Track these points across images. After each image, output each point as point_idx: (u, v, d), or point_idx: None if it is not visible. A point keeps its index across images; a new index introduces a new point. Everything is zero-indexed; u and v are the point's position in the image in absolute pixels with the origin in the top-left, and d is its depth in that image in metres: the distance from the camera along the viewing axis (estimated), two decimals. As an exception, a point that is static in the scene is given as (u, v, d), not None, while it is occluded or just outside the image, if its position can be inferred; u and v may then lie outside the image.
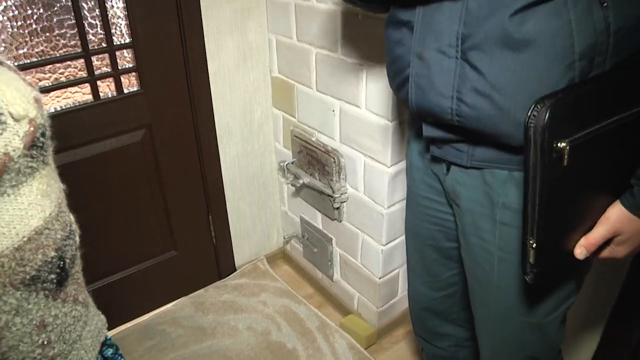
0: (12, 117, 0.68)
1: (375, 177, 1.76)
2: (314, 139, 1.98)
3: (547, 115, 0.79)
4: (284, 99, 2.09)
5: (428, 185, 1.22)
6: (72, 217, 0.80)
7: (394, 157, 1.70)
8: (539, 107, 0.80)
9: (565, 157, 0.83)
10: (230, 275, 2.39)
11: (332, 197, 1.93)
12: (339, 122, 1.83)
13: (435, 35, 0.93)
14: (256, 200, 2.34)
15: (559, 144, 0.82)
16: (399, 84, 1.06)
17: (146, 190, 2.00)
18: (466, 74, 0.91)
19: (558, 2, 0.84)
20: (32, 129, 0.72)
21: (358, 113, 1.73)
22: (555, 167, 0.83)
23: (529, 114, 0.81)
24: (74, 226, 0.80)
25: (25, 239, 0.70)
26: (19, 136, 0.69)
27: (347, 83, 1.72)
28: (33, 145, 0.72)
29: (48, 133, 0.74)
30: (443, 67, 0.93)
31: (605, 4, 0.84)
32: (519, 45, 0.86)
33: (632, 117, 0.89)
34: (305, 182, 2.04)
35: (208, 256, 2.31)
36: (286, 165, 2.15)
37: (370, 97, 1.66)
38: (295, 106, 2.04)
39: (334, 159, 1.88)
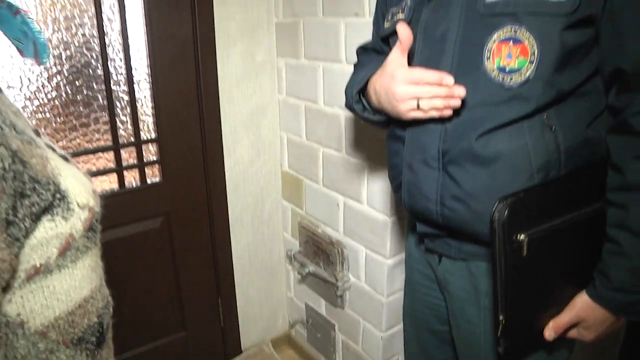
0: (78, 205, 0.83)
1: (376, 267, 1.88)
2: (319, 230, 2.12)
3: (507, 211, 0.93)
4: (293, 192, 2.25)
5: (423, 273, 1.35)
6: (107, 290, 0.96)
7: (392, 250, 1.83)
8: (501, 204, 0.94)
9: (525, 248, 0.95)
10: (236, 357, 2.45)
11: (335, 285, 2.04)
12: (343, 216, 1.98)
13: (421, 149, 1.10)
14: (264, 286, 2.44)
15: (518, 237, 0.95)
16: (395, 187, 1.23)
17: (161, 273, 2.12)
18: (447, 183, 1.07)
19: (515, 127, 1.00)
20: (90, 215, 0.85)
21: (360, 208, 1.88)
22: (516, 257, 0.96)
23: (493, 209, 0.95)
24: (110, 298, 0.95)
25: (76, 305, 0.83)
26: (81, 220, 0.81)
27: (351, 180, 1.88)
28: (90, 229, 0.85)
29: (99, 218, 0.92)
30: (428, 176, 1.09)
31: (554, 128, 1.00)
32: (485, 161, 1.01)
33: (585, 215, 1.02)
34: (310, 270, 2.17)
35: (216, 338, 2.39)
36: (293, 254, 2.28)
37: (371, 194, 1.82)
38: (303, 199, 2.19)
39: (337, 250, 2.01)
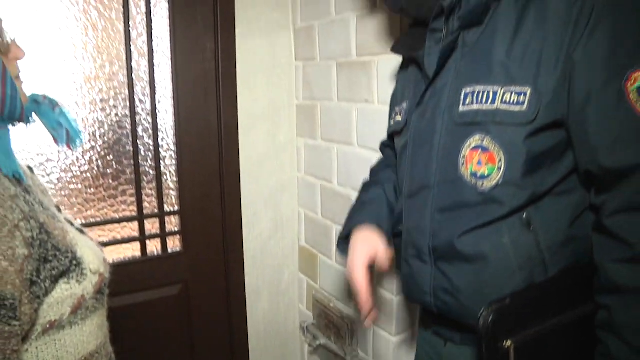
0: (90, 271, 1.00)
1: (382, 344, 1.92)
2: (332, 304, 2.18)
3: (492, 318, 0.95)
4: (309, 266, 2.33)
5: (430, 355, 1.38)
6: (111, 347, 1.12)
7: (398, 327, 1.86)
8: (486, 311, 0.95)
9: (512, 354, 0.95)
10: None
11: (344, 359, 2.08)
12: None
13: (414, 246, 1.18)
14: (278, 356, 2.49)
15: (505, 343, 0.96)
16: (400, 277, 1.32)
17: (177, 339, 2.21)
18: (439, 277, 1.14)
19: (495, 227, 1.05)
20: (100, 280, 1.03)
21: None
22: None
23: (479, 316, 0.96)
24: (113, 355, 1.13)
25: (83, 358, 0.99)
26: (92, 284, 1.00)
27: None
28: (99, 291, 1.03)
29: (107, 283, 1.08)
30: (423, 271, 1.17)
31: (532, 227, 1.03)
32: (469, 259, 1.07)
33: (574, 317, 1.02)
34: (321, 343, 2.21)
35: (229, 406, 2.44)
36: (306, 326, 2.33)
37: (378, 273, 1.88)
38: (317, 273, 2.26)
39: (347, 325, 2.06)
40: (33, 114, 1.05)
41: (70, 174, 1.90)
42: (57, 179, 1.87)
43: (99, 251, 1.07)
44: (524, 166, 1.01)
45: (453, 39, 1.10)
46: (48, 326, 0.94)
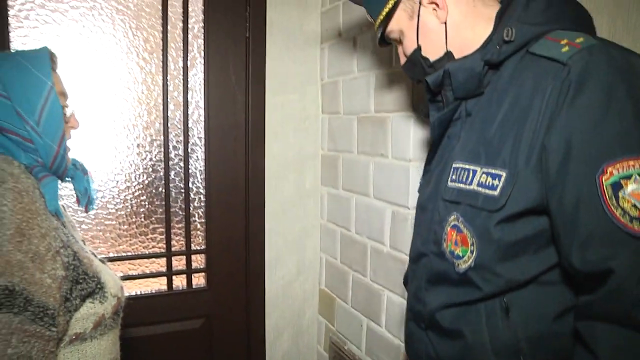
0: (111, 295, 1.21)
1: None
2: (346, 347, 2.25)
3: None
4: (327, 309, 2.42)
5: None
6: None
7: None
8: None
9: None
10: None
11: (356, 403, 2.14)
12: (365, 336, 2.11)
13: (412, 311, 1.21)
14: (297, 397, 2.57)
15: None
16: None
17: (198, 373, 2.34)
18: (429, 344, 1.14)
19: (473, 308, 1.02)
20: (117, 303, 1.25)
21: (380, 331, 2.01)
22: None
23: None
24: None
25: None
26: (111, 305, 1.21)
27: (373, 304, 2.03)
28: (115, 313, 1.25)
29: (123, 306, 1.30)
30: (418, 335, 1.19)
31: (510, 315, 0.97)
32: (449, 334, 1.07)
33: None
34: (335, 385, 2.29)
35: None
36: (323, 368, 2.41)
37: (389, 319, 1.95)
38: (334, 316, 2.35)
39: (359, 369, 2.13)
40: (71, 177, 1.32)
41: (106, 211, 2.08)
42: (94, 215, 2.06)
43: (117, 279, 1.29)
44: (496, 253, 0.96)
45: (453, 108, 1.12)
46: (74, 337, 1.14)
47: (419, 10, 1.14)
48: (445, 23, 1.11)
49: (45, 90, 1.16)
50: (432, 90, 1.16)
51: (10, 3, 1.87)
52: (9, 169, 1.10)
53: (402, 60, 1.23)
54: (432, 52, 1.14)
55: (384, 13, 1.19)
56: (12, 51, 1.22)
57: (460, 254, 1.02)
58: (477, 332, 1.01)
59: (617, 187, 0.81)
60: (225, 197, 2.27)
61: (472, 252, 1.00)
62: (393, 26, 1.20)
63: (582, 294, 0.90)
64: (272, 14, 2.28)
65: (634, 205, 0.80)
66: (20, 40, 1.89)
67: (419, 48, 1.16)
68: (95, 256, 1.32)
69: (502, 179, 0.94)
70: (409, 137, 1.77)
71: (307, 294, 2.48)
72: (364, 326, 2.11)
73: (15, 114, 1.14)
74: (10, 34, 1.87)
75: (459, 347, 1.05)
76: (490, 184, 0.96)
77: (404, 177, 1.80)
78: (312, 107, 2.40)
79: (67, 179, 1.30)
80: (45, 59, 1.21)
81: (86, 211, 1.38)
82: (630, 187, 0.80)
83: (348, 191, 2.19)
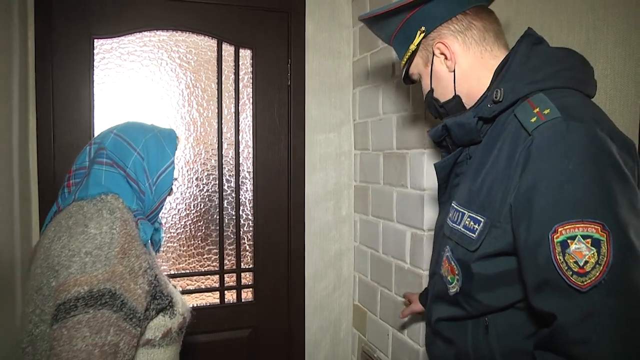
0: (179, 313, 1.43)
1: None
2: (375, 355, 2.54)
3: None
4: (360, 322, 2.72)
5: None
6: None
7: (425, 378, 2.19)
8: None
9: None
10: None
11: (384, 406, 2.41)
12: (391, 344, 2.39)
13: (428, 319, 1.35)
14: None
15: None
16: None
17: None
18: (436, 347, 1.31)
19: (462, 322, 1.17)
20: (183, 320, 1.45)
21: (403, 338, 2.29)
22: None
23: None
24: None
25: None
26: (178, 322, 1.41)
27: (398, 314, 2.32)
28: (180, 329, 1.45)
29: (187, 325, 1.49)
30: (430, 336, 1.36)
31: (489, 332, 1.10)
32: (446, 340, 1.23)
33: None
34: (367, 391, 2.57)
35: None
36: (356, 375, 2.70)
37: (410, 327, 2.22)
38: (366, 328, 2.64)
39: (387, 374, 2.41)
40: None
41: (169, 234, 2.46)
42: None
43: (185, 302, 1.52)
44: (475, 284, 1.09)
45: (454, 155, 1.26)
46: (145, 342, 1.34)
47: (432, 59, 1.27)
48: (454, 72, 1.23)
49: (168, 162, 1.46)
50: (435, 141, 1.31)
51: (96, 51, 2.33)
52: (117, 203, 1.32)
53: (424, 96, 1.37)
54: (443, 95, 1.28)
55: (405, 60, 1.33)
56: (149, 124, 1.51)
57: (451, 281, 1.16)
58: (463, 343, 1.16)
59: (564, 245, 0.90)
60: (271, 223, 2.63)
61: (457, 280, 1.13)
62: (413, 69, 1.35)
63: (540, 326, 1.03)
64: (311, 65, 2.66)
65: (575, 262, 0.89)
66: (100, 79, 2.34)
67: (432, 90, 1.30)
68: (170, 281, 1.56)
69: (481, 224, 1.06)
70: (423, 170, 2.08)
71: (342, 307, 2.79)
72: (390, 335, 2.39)
73: (142, 170, 1.39)
74: (94, 76, 2.33)
75: (453, 352, 1.21)
76: (472, 227, 1.09)
77: (420, 204, 2.11)
78: (346, 144, 2.74)
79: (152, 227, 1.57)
80: (173, 139, 1.51)
81: (155, 251, 1.61)
82: (574, 246, 0.89)
83: (376, 217, 2.51)
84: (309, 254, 2.70)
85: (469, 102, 1.23)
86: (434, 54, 1.25)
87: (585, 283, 0.88)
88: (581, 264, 0.88)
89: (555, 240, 0.91)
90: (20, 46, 2.11)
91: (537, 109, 1.00)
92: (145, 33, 2.40)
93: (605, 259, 0.87)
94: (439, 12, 1.22)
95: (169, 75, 2.45)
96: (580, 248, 0.89)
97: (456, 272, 1.13)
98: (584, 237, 0.89)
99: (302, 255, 2.68)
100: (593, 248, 0.88)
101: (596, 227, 0.88)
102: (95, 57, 2.33)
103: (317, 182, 2.69)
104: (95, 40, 2.33)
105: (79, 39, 2.29)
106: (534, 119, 0.99)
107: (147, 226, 1.36)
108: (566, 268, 0.90)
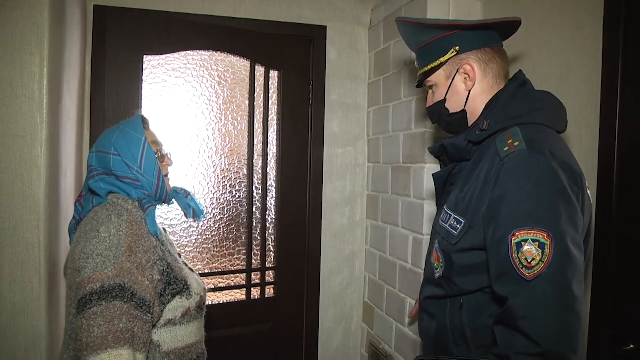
0: (195, 293, 1.55)
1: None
2: (381, 347, 2.82)
3: None
4: (369, 317, 3.02)
5: None
6: (204, 346, 1.65)
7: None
8: None
9: None
10: None
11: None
12: (394, 335, 2.67)
13: (419, 301, 1.58)
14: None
15: None
16: None
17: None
18: (423, 322, 1.53)
19: (443, 301, 1.40)
20: (200, 299, 1.57)
21: (404, 330, 2.55)
22: None
23: None
24: (205, 350, 1.65)
25: (186, 346, 1.51)
26: (195, 301, 1.54)
27: (400, 309, 2.61)
28: (198, 307, 1.56)
29: (205, 302, 1.64)
30: (421, 317, 1.55)
31: (462, 308, 1.35)
32: (431, 315, 1.46)
33: None
34: (374, 378, 2.86)
35: None
36: (365, 364, 2.99)
37: (410, 321, 2.52)
38: (374, 323, 2.94)
39: (392, 363, 2.70)
40: (173, 199, 1.71)
41: (204, 237, 2.78)
42: (195, 240, 2.75)
43: (201, 283, 1.63)
44: (455, 271, 1.34)
45: (449, 168, 1.50)
46: (167, 322, 1.47)
47: (454, 75, 1.45)
48: (470, 91, 1.44)
49: (141, 143, 1.53)
50: (434, 156, 1.57)
51: (144, 66, 2.58)
52: (125, 205, 1.48)
53: (429, 103, 1.56)
54: (453, 107, 1.48)
55: (428, 67, 1.49)
56: (118, 124, 1.59)
57: (436, 267, 1.42)
58: (443, 317, 1.40)
59: (519, 245, 1.15)
60: (292, 227, 2.94)
61: (441, 267, 1.39)
62: (432, 79, 1.51)
63: (499, 306, 1.26)
64: (330, 86, 2.99)
65: (525, 259, 1.14)
66: (147, 93, 2.61)
67: (444, 100, 1.49)
68: (187, 265, 1.66)
69: (462, 224, 1.32)
70: (423, 182, 2.40)
71: (354, 304, 3.10)
72: (394, 327, 2.68)
73: (125, 165, 1.50)
74: (142, 90, 2.59)
75: (435, 325, 1.44)
76: (455, 226, 1.34)
77: (420, 211, 2.42)
78: (361, 157, 3.07)
79: (171, 202, 1.69)
80: (138, 122, 1.57)
81: (194, 221, 1.75)
82: (526, 247, 1.15)
83: (385, 223, 2.82)
84: (325, 254, 3.01)
85: (471, 118, 1.46)
86: (457, 71, 1.44)
87: (530, 274, 1.13)
88: (529, 260, 1.13)
89: (513, 241, 1.16)
90: (80, 67, 2.43)
91: (510, 141, 1.25)
92: (189, 52, 2.68)
93: (547, 258, 1.12)
94: (475, 40, 1.43)
95: (209, 91, 2.76)
96: (530, 249, 1.14)
97: (441, 260, 1.38)
98: (534, 240, 1.14)
99: (319, 257, 3.00)
100: (539, 249, 1.13)
101: (543, 234, 1.14)
102: (144, 72, 2.57)
103: (335, 189, 3.01)
104: (145, 56, 2.58)
105: (131, 56, 2.54)
106: (506, 148, 1.25)
107: (153, 214, 1.50)
108: (518, 263, 1.15)
